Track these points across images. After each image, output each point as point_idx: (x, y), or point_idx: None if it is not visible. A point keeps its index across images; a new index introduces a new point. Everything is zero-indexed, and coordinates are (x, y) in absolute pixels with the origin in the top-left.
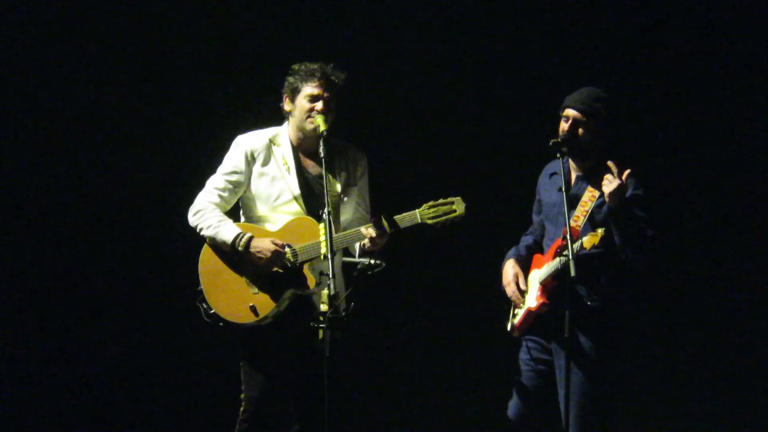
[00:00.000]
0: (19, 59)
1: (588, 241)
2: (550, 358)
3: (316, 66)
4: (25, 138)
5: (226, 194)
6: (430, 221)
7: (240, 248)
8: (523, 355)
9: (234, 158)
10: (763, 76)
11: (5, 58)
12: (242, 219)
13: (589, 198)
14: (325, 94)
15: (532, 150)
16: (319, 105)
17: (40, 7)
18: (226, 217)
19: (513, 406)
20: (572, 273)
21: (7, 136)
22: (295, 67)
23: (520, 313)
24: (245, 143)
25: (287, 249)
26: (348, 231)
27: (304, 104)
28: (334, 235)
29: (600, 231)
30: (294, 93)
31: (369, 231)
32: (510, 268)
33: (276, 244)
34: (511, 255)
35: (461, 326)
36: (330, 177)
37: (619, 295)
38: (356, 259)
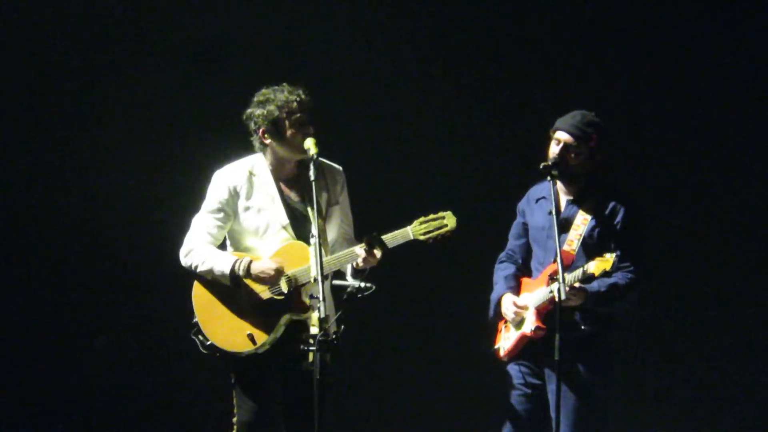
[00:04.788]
0: None
1: (598, 266)
2: (540, 383)
3: (286, 94)
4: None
5: (214, 231)
6: (422, 237)
7: (240, 272)
8: (514, 380)
9: (218, 195)
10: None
11: None
12: (230, 250)
13: (581, 221)
14: (309, 119)
15: (519, 164)
16: (311, 130)
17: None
18: (218, 250)
19: (506, 430)
20: (563, 296)
21: None
22: (261, 98)
23: (512, 338)
24: (226, 178)
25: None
26: (340, 253)
27: (296, 135)
28: (326, 257)
29: (610, 256)
30: (276, 125)
31: (362, 252)
32: (507, 298)
33: (275, 263)
34: (503, 289)
35: (451, 347)
36: (314, 200)
37: (612, 321)
38: (346, 282)
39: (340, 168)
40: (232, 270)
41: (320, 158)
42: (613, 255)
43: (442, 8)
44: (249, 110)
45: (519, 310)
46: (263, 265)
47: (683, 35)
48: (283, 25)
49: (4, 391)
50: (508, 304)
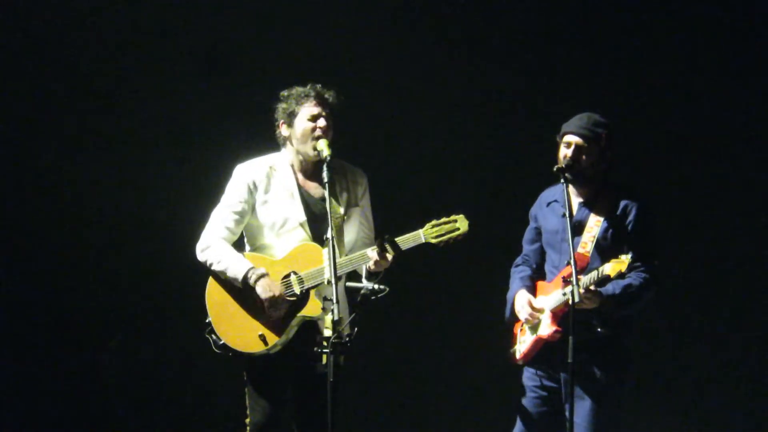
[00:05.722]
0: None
1: (613, 268)
2: (556, 386)
3: (307, 88)
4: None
5: (231, 226)
6: (434, 240)
7: (251, 283)
8: (528, 382)
9: (236, 189)
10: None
11: None
12: (247, 248)
13: (594, 223)
14: (324, 113)
15: (532, 169)
16: (321, 122)
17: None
18: (234, 251)
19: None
20: (576, 299)
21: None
22: (285, 93)
23: (528, 340)
24: (246, 173)
25: (293, 276)
26: (353, 255)
27: (306, 126)
28: (339, 259)
29: (625, 257)
30: (291, 117)
31: (374, 254)
32: (522, 295)
33: (280, 290)
34: (519, 286)
35: (466, 349)
36: (332, 200)
37: (629, 324)
38: (360, 284)
39: (364, 172)
40: (245, 278)
41: (343, 161)
42: (628, 256)
43: (456, 12)
44: (275, 105)
45: (534, 312)
46: (272, 288)
47: (688, 36)
48: (297, 28)
49: (19, 392)
50: (523, 302)
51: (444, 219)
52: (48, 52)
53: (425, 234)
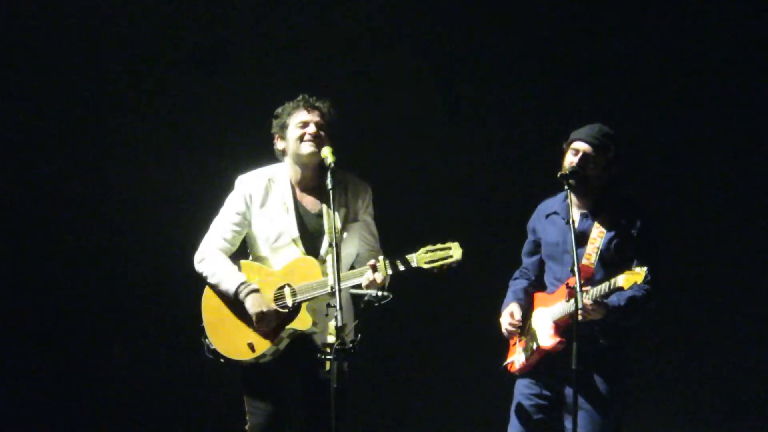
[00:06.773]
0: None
1: (627, 279)
2: (553, 395)
3: (297, 99)
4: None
5: (229, 236)
6: (426, 266)
7: (241, 298)
8: (525, 390)
9: (234, 201)
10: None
11: None
12: (250, 258)
13: (597, 235)
14: (313, 120)
15: (532, 181)
16: (310, 128)
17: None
18: (229, 264)
19: None
20: (579, 304)
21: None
22: (278, 110)
23: (527, 351)
24: (244, 185)
25: (287, 288)
26: (347, 273)
27: (295, 132)
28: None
29: (640, 270)
30: (283, 129)
31: (367, 275)
32: (508, 308)
33: (271, 309)
34: (510, 300)
35: (466, 355)
36: (330, 213)
37: (629, 334)
38: (364, 291)
39: (368, 185)
40: (236, 293)
41: (347, 172)
42: (644, 269)
43: (455, 26)
44: (271, 122)
45: (515, 322)
46: (260, 304)
47: (688, 41)
48: (303, 35)
49: (21, 395)
50: (505, 314)
51: (439, 245)
52: (47, 53)
53: (418, 258)
